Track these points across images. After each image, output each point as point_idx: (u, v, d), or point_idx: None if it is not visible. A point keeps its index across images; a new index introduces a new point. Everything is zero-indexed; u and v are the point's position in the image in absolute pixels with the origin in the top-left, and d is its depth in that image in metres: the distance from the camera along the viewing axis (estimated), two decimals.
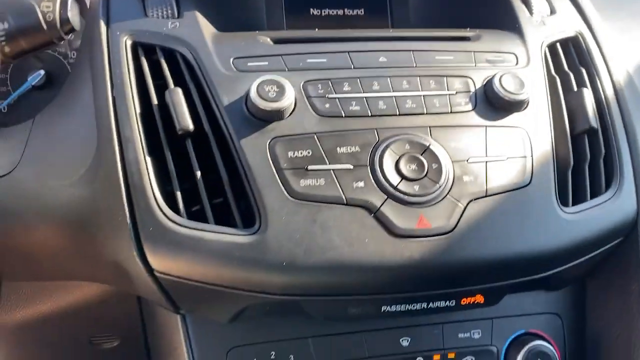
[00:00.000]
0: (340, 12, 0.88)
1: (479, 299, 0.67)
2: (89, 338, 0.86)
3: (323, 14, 0.88)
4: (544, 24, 0.79)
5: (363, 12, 0.89)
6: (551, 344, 0.72)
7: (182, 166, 0.65)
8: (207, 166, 0.65)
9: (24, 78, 0.84)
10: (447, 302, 0.66)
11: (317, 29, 0.77)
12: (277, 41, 0.71)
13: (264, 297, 0.62)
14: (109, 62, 0.67)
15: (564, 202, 0.67)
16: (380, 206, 0.62)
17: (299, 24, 0.86)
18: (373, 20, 0.88)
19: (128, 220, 0.62)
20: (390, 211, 0.62)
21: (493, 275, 0.64)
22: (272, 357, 0.68)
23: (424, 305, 0.66)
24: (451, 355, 0.71)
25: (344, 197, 0.62)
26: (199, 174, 0.64)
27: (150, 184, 0.62)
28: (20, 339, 0.88)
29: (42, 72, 0.85)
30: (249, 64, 0.69)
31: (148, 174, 0.63)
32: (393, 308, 0.65)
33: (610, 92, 0.76)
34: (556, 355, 0.71)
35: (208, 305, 0.65)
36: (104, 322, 0.83)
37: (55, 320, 0.81)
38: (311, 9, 0.88)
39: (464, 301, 0.67)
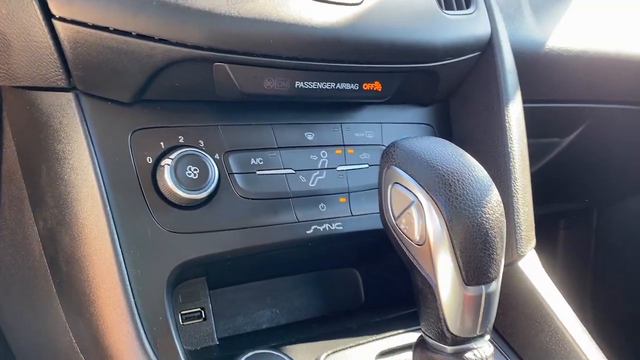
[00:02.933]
0: None
1: (377, 86, 0.72)
2: None
3: None
4: None
5: None
6: None
7: None
8: None
9: None
10: (352, 85, 0.70)
11: None
12: None
13: (181, 51, 0.58)
14: None
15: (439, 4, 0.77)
16: None
17: None
18: None
19: None
20: None
21: (392, 55, 0.70)
22: (181, 141, 0.63)
23: (333, 85, 0.68)
24: (350, 151, 0.75)
25: None
26: None
27: None
28: None
29: None
30: None
31: None
32: (305, 85, 0.67)
33: None
34: None
35: (109, 73, 0.59)
36: None
37: None
38: None
39: (365, 86, 0.71)
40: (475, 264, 0.53)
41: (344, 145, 0.75)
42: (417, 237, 0.55)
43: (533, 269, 0.75)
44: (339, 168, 0.73)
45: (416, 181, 0.55)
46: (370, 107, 0.78)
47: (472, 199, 0.54)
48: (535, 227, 0.86)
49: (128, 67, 0.58)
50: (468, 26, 0.80)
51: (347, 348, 0.65)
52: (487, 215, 0.54)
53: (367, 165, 0.75)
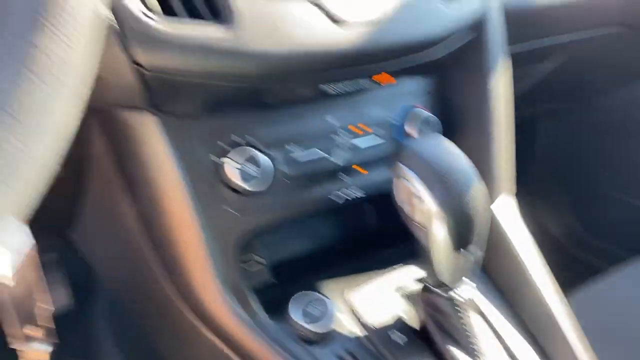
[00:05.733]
0: None
1: (389, 79, 0.89)
2: None
3: None
4: None
5: None
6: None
7: None
8: None
9: None
10: (367, 82, 0.87)
11: None
12: None
13: (244, 85, 0.74)
14: None
15: None
16: (325, 0, 0.77)
17: None
18: None
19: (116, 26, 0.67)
20: (332, 4, 0.77)
21: (402, 51, 0.85)
22: (239, 141, 0.81)
23: (353, 86, 0.85)
24: (365, 127, 0.92)
25: None
26: None
27: None
28: None
29: None
30: None
31: None
32: (331, 89, 0.84)
33: None
34: (436, 120, 0.97)
35: (183, 100, 0.75)
36: None
37: None
38: None
39: (379, 79, 0.88)
40: (462, 241, 0.75)
41: (359, 122, 0.92)
42: (417, 219, 0.76)
43: (507, 214, 0.97)
44: (357, 144, 0.91)
45: (419, 178, 0.75)
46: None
47: (462, 195, 0.74)
48: None
49: (198, 96, 0.75)
50: (464, 11, 0.93)
51: (367, 284, 0.90)
52: (474, 208, 0.74)
53: (380, 139, 0.93)
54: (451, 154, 0.77)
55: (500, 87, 0.99)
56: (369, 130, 0.92)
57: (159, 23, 0.68)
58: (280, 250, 0.98)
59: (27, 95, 0.36)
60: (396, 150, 0.93)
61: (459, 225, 0.74)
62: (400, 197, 0.78)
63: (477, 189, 0.75)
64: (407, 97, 0.97)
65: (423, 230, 0.77)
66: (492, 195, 0.97)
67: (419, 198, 0.75)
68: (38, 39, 0.36)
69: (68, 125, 0.40)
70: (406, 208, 0.77)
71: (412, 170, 0.76)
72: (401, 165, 0.77)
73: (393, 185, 0.79)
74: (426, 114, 0.96)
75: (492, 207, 0.98)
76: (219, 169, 0.80)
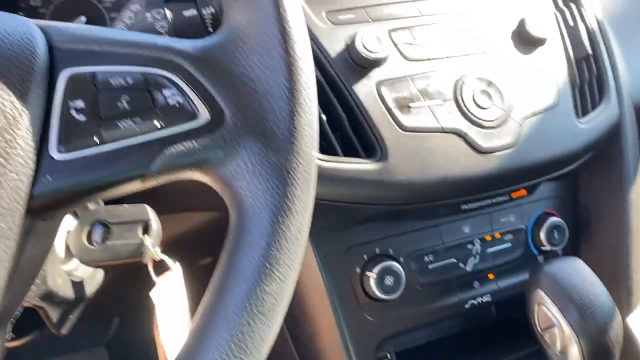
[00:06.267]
0: None
1: (523, 192, 0.92)
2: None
3: None
4: None
5: None
6: (560, 219, 0.99)
7: None
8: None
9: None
10: (504, 197, 0.90)
11: None
12: None
13: (384, 209, 0.81)
14: None
15: (576, 114, 0.91)
16: (467, 131, 0.81)
17: None
18: None
19: None
20: (474, 134, 0.82)
21: (541, 172, 0.88)
22: (377, 252, 0.87)
23: (490, 201, 0.89)
24: (497, 236, 0.95)
25: (440, 127, 0.80)
26: (324, 116, 0.78)
27: None
28: None
29: (83, 18, 0.90)
30: (339, 17, 0.82)
31: None
32: (469, 206, 0.88)
33: (595, 25, 0.99)
34: (565, 226, 0.98)
35: (332, 216, 0.83)
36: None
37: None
38: None
39: (513, 194, 0.91)
40: None
41: (492, 230, 0.95)
42: (558, 348, 0.78)
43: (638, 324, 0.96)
44: (488, 251, 0.95)
45: (558, 309, 0.77)
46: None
47: (600, 326, 0.75)
48: None
49: (346, 216, 0.82)
50: (602, 122, 0.94)
51: None
52: (611, 338, 0.75)
53: (509, 244, 0.96)
54: (589, 282, 0.79)
55: (635, 190, 0.99)
56: (499, 236, 0.96)
57: (320, 160, 0.76)
58: (405, 342, 1.03)
59: (257, 333, 0.44)
60: (525, 256, 0.96)
61: (598, 356, 0.76)
62: (540, 325, 0.81)
63: (617, 322, 0.76)
64: (537, 203, 0.99)
65: (561, 358, 0.79)
66: (627, 309, 0.97)
67: (560, 331, 0.78)
68: (268, 286, 0.44)
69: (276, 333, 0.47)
70: (546, 336, 0.80)
71: (551, 298, 0.79)
72: (541, 292, 0.80)
73: (531, 312, 0.82)
74: (555, 219, 0.97)
75: (627, 319, 0.97)
76: (358, 278, 0.87)
